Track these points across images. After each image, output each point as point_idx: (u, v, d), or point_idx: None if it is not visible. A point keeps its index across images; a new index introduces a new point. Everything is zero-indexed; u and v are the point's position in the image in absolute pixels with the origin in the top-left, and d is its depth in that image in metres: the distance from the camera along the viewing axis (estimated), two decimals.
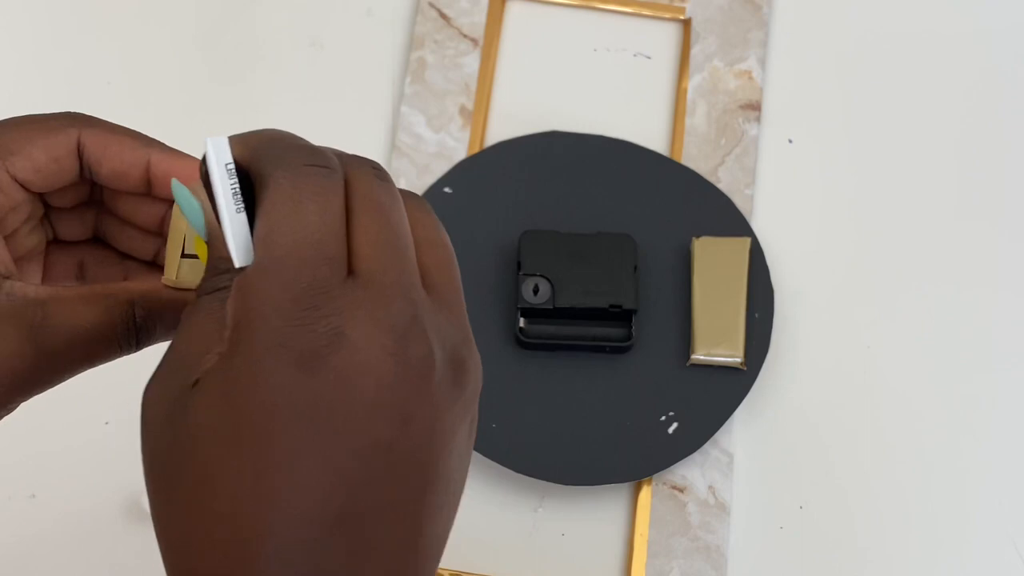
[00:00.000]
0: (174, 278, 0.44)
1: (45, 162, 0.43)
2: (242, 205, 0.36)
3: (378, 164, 0.38)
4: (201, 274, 0.42)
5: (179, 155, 0.44)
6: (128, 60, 0.80)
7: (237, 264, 0.36)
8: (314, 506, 0.33)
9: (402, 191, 0.38)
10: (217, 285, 0.36)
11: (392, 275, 0.35)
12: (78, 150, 0.43)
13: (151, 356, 0.61)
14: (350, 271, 0.35)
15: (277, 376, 0.33)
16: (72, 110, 0.46)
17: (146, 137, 0.45)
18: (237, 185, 0.37)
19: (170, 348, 0.37)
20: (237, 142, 0.37)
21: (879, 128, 0.80)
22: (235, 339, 0.34)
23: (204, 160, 0.37)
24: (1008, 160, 0.79)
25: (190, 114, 0.79)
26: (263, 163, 0.36)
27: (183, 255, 0.44)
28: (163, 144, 0.45)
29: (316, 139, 0.85)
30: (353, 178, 0.37)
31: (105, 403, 0.71)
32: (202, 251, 0.39)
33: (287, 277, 0.34)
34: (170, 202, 0.45)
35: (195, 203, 0.38)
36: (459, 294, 0.38)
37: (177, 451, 0.35)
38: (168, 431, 0.35)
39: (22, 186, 0.43)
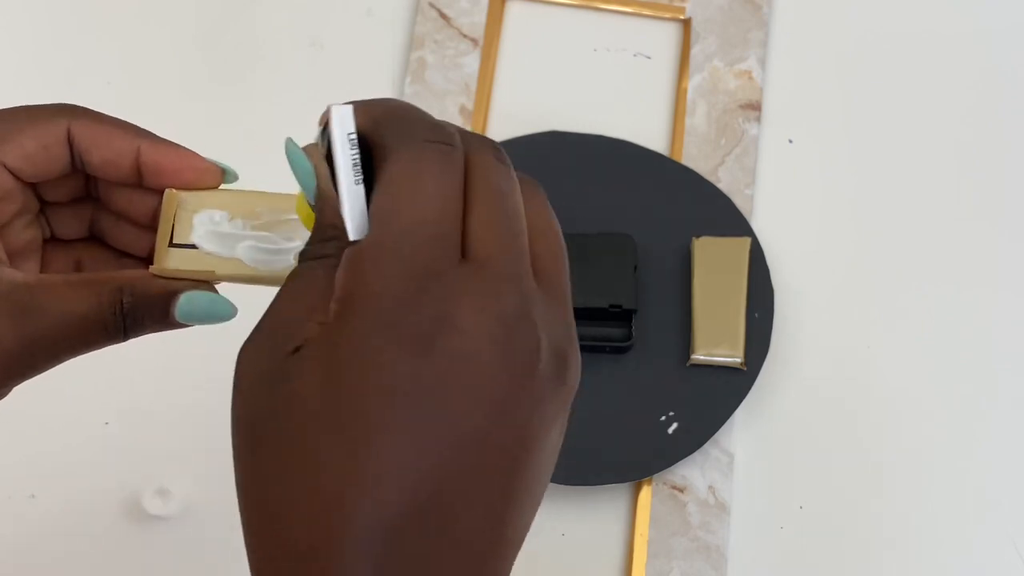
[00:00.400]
0: (162, 267, 0.44)
1: (35, 150, 0.43)
2: (361, 176, 0.36)
3: (498, 146, 0.37)
4: (190, 264, 0.43)
5: (169, 145, 0.45)
6: (128, 60, 0.80)
7: (352, 236, 0.35)
8: (404, 491, 0.33)
9: (519, 174, 0.38)
10: (322, 252, 0.36)
11: (505, 263, 0.34)
12: (68, 139, 0.43)
13: (151, 357, 0.61)
14: (464, 254, 0.34)
15: (383, 355, 0.33)
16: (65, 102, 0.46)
17: (136, 127, 0.45)
18: (358, 155, 0.36)
19: (268, 311, 0.36)
20: (361, 111, 0.37)
21: (879, 128, 0.80)
22: (342, 312, 0.33)
23: (326, 127, 0.37)
24: (1008, 160, 0.79)
25: (190, 114, 0.79)
26: (386, 136, 0.36)
27: (171, 244, 0.44)
28: (153, 134, 0.45)
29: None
30: (473, 159, 0.36)
31: (105, 403, 0.71)
32: (305, 214, 0.39)
33: (403, 255, 0.33)
34: (161, 193, 0.45)
35: (308, 165, 0.38)
36: (567, 286, 0.38)
37: (272, 417, 0.34)
38: (264, 396, 0.34)
39: (13, 175, 0.43)
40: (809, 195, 0.78)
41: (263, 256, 0.44)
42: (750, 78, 0.80)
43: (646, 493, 0.70)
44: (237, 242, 0.45)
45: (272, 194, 0.46)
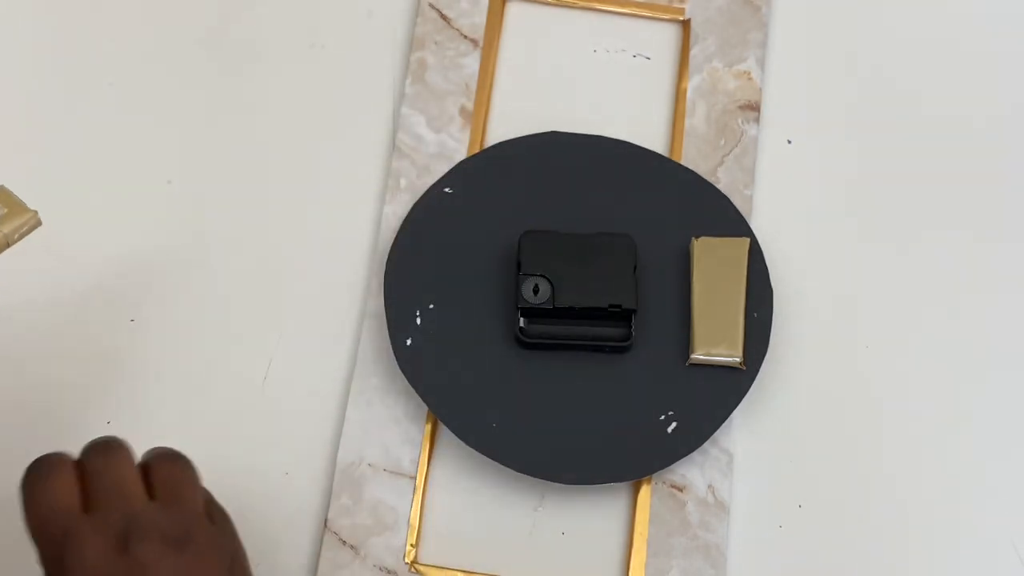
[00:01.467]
0: None
1: None
2: None
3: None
4: None
5: None
6: (129, 61, 0.80)
7: None
8: None
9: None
10: None
11: (110, 500, 0.50)
12: None
13: (151, 359, 0.61)
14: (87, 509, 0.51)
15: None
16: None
17: None
18: None
19: None
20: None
21: (878, 128, 0.80)
22: None
23: None
24: (1008, 160, 0.80)
25: (191, 115, 0.79)
26: None
27: None
28: None
29: (316, 140, 0.86)
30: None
31: (106, 403, 0.71)
32: None
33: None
34: None
35: None
36: (182, 489, 0.52)
37: None
38: None
39: None
40: (808, 195, 0.78)
41: None
42: (749, 79, 0.80)
43: (645, 492, 0.70)
44: None
45: None
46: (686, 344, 0.71)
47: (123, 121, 0.78)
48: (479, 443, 0.69)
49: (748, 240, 0.73)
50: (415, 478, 0.70)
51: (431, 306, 0.72)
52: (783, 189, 0.78)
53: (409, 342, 0.71)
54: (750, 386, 0.71)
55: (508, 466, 0.69)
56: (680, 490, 0.70)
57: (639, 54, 0.81)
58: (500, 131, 0.78)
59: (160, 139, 0.78)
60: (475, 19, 0.81)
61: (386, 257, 0.73)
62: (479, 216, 0.74)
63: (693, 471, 0.70)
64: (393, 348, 0.71)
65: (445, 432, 0.70)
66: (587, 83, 0.80)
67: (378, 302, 0.73)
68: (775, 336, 0.73)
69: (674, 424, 0.70)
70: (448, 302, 0.72)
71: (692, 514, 0.70)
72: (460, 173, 0.76)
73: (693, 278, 0.72)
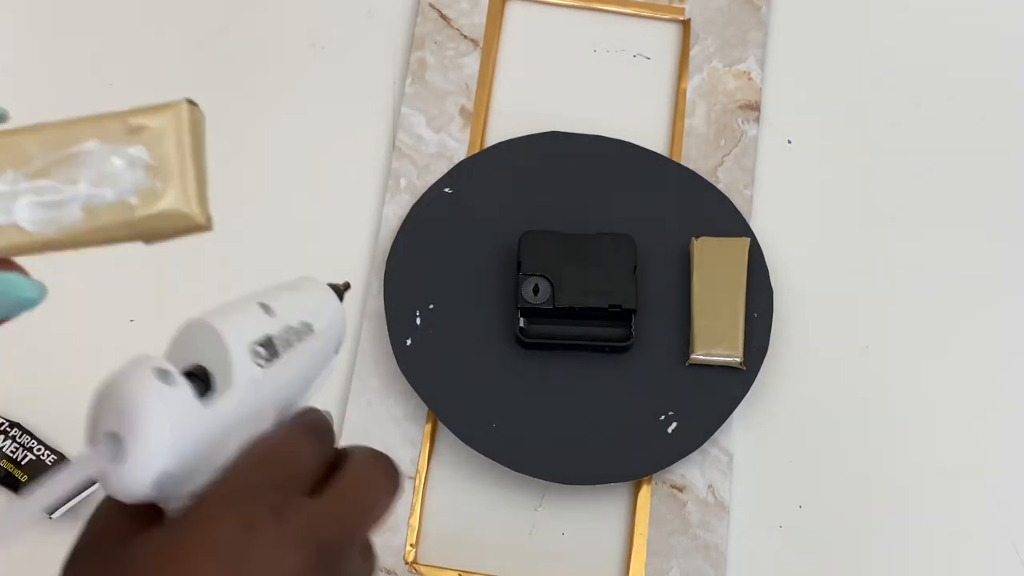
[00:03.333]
0: None
1: None
2: None
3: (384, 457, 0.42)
4: None
5: None
6: (130, 61, 0.80)
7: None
8: None
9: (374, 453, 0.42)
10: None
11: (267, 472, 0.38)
12: None
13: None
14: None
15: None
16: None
17: None
18: None
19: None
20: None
21: (878, 128, 0.80)
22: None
23: None
24: (1008, 160, 0.80)
25: None
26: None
27: None
28: None
29: (317, 140, 0.86)
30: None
31: None
32: None
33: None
34: None
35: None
36: (358, 499, 0.40)
37: None
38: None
39: None
40: (808, 195, 0.78)
41: (45, 214, 0.37)
42: (749, 79, 0.80)
43: (646, 492, 0.70)
44: (11, 201, 0.37)
45: (45, 126, 0.37)
46: (686, 344, 0.71)
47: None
48: (479, 443, 0.69)
49: (748, 240, 0.73)
50: (415, 478, 0.70)
51: (431, 306, 0.72)
52: (783, 189, 0.78)
53: (409, 342, 0.71)
54: (750, 386, 0.71)
55: (508, 466, 0.69)
56: (680, 490, 0.70)
57: (639, 54, 0.81)
58: (500, 131, 0.78)
59: None
60: (475, 19, 0.81)
61: (386, 257, 0.73)
62: (479, 216, 0.74)
63: (693, 471, 0.70)
64: (393, 348, 0.71)
65: (445, 432, 0.70)
66: (587, 83, 0.80)
67: (378, 302, 0.73)
68: (775, 336, 0.73)
69: (674, 424, 0.70)
70: (448, 302, 0.72)
71: (692, 514, 0.70)
72: (460, 173, 0.76)
73: (693, 278, 0.72)
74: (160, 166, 0.36)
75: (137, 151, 0.36)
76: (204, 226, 0.38)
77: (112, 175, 0.37)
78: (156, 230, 0.37)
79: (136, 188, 0.37)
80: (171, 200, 0.36)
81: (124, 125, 0.36)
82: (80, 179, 0.36)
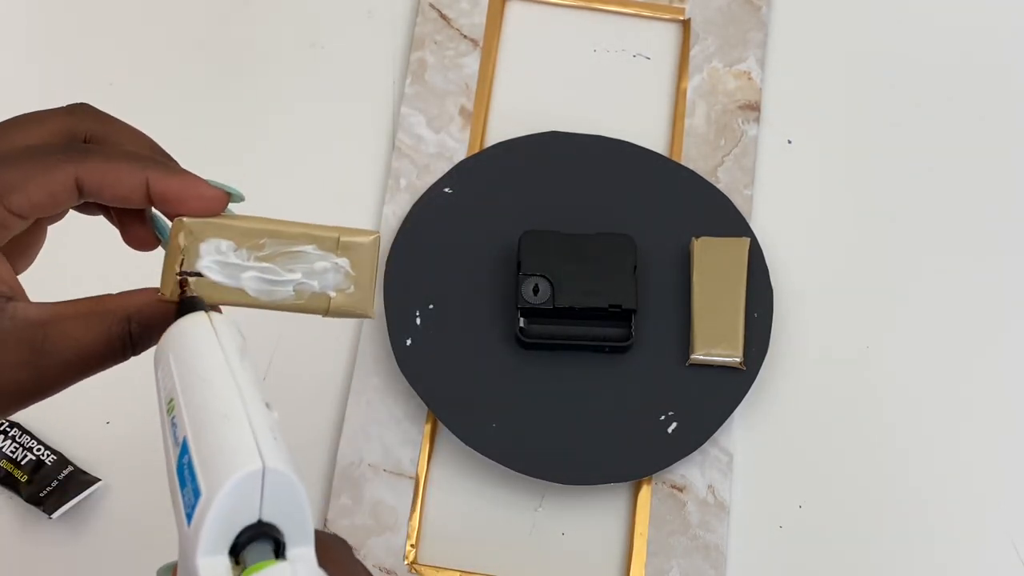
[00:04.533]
0: (169, 293, 0.46)
1: (42, 199, 0.44)
2: None
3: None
4: (197, 292, 0.46)
5: (175, 174, 0.46)
6: (130, 61, 0.80)
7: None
8: None
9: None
10: None
11: None
12: (76, 184, 0.45)
13: (151, 359, 0.61)
14: None
15: None
16: (77, 101, 0.48)
17: (142, 157, 0.46)
18: None
19: None
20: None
21: (878, 128, 0.80)
22: None
23: None
24: (1008, 160, 0.80)
25: (192, 114, 0.79)
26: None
27: (179, 273, 0.47)
28: (160, 162, 0.46)
29: (317, 140, 0.86)
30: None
31: (105, 403, 0.71)
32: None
33: None
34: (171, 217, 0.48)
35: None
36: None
37: None
38: None
39: (21, 216, 0.45)
40: (808, 195, 0.78)
41: (265, 286, 0.48)
42: (749, 79, 0.80)
43: (645, 492, 0.70)
44: (241, 272, 0.48)
45: (277, 223, 0.49)
46: (686, 344, 0.71)
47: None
48: (479, 443, 0.69)
49: (748, 240, 0.73)
50: (415, 478, 0.70)
51: (431, 306, 0.72)
52: (783, 189, 0.78)
53: (409, 342, 0.71)
54: (750, 386, 0.71)
55: (508, 466, 0.69)
56: (680, 490, 0.70)
57: (639, 54, 0.81)
58: (500, 131, 0.78)
59: (160, 139, 0.78)
60: (475, 19, 0.81)
61: (386, 257, 0.73)
62: (479, 216, 0.74)
63: (693, 471, 0.70)
64: (393, 348, 0.71)
65: (445, 432, 0.70)
66: (587, 83, 0.80)
67: (378, 302, 0.73)
68: (775, 336, 0.73)
69: (674, 424, 0.70)
70: (448, 302, 0.72)
71: (692, 514, 0.70)
72: (460, 173, 0.76)
73: (693, 278, 0.72)
74: (355, 275, 0.49)
75: (342, 262, 0.49)
76: (371, 316, 0.50)
77: (320, 272, 0.49)
78: (339, 314, 0.49)
79: (335, 286, 0.49)
80: (358, 301, 0.49)
81: (336, 240, 0.49)
82: (297, 270, 0.49)
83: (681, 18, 0.82)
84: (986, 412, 0.73)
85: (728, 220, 0.75)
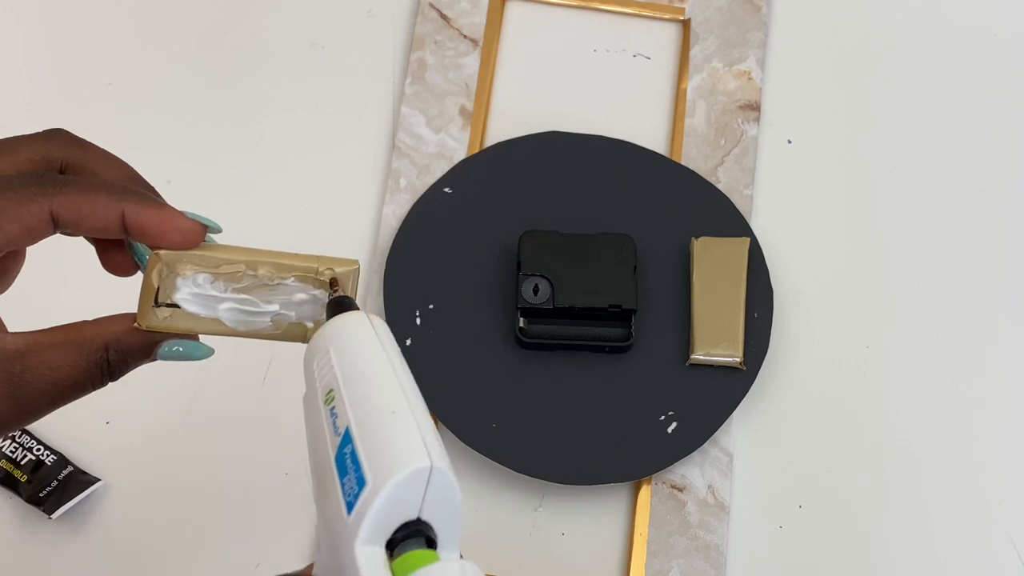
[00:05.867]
0: (147, 323, 0.47)
1: (17, 232, 0.44)
2: None
3: None
4: (173, 323, 0.46)
5: (152, 207, 0.46)
6: (130, 61, 0.80)
7: None
8: None
9: None
10: None
11: None
12: (51, 217, 0.44)
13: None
14: None
15: None
16: (54, 127, 0.47)
17: (119, 188, 0.46)
18: None
19: None
20: None
21: (878, 128, 0.80)
22: None
23: None
24: (1009, 159, 0.80)
25: (191, 114, 0.79)
26: None
27: (155, 304, 0.47)
28: (138, 192, 0.46)
29: (317, 139, 0.86)
30: None
31: (104, 403, 0.71)
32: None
33: None
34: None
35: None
36: None
37: None
38: None
39: None
40: (808, 195, 0.78)
41: (242, 317, 0.48)
42: (749, 79, 0.80)
43: (645, 492, 0.70)
44: (218, 303, 0.47)
45: (255, 253, 0.48)
46: (686, 344, 0.71)
47: (123, 121, 0.78)
48: (479, 443, 0.69)
49: (748, 240, 0.73)
50: None
51: (431, 306, 0.72)
52: (783, 189, 0.78)
53: (409, 342, 0.71)
54: (750, 386, 0.71)
55: (508, 466, 0.69)
56: (680, 490, 0.70)
57: (639, 54, 0.81)
58: (500, 131, 0.78)
59: (160, 139, 0.78)
60: (475, 19, 0.81)
61: (386, 257, 0.73)
62: (479, 216, 0.74)
63: (693, 471, 0.70)
64: None
65: (445, 432, 0.70)
66: (587, 83, 0.80)
67: (378, 302, 0.73)
68: (775, 336, 0.73)
69: (674, 424, 0.70)
70: (448, 302, 0.72)
71: (692, 514, 0.70)
72: (460, 173, 0.76)
73: (693, 278, 0.72)
74: None
75: (321, 294, 0.48)
76: None
77: (298, 304, 0.48)
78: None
79: (313, 316, 0.48)
80: None
81: (316, 272, 0.48)
82: (275, 301, 0.48)
83: (681, 18, 0.82)
84: (985, 411, 0.73)
85: (728, 220, 0.75)
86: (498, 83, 0.80)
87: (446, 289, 0.72)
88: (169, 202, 0.47)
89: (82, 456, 0.70)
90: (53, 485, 0.68)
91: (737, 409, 0.70)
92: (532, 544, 0.70)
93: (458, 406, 0.70)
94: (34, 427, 0.70)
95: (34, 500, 0.68)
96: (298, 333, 0.49)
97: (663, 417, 0.70)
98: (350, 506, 0.38)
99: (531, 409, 0.70)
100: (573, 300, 0.70)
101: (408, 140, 0.77)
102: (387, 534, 0.39)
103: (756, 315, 0.72)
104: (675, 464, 0.70)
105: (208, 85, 0.80)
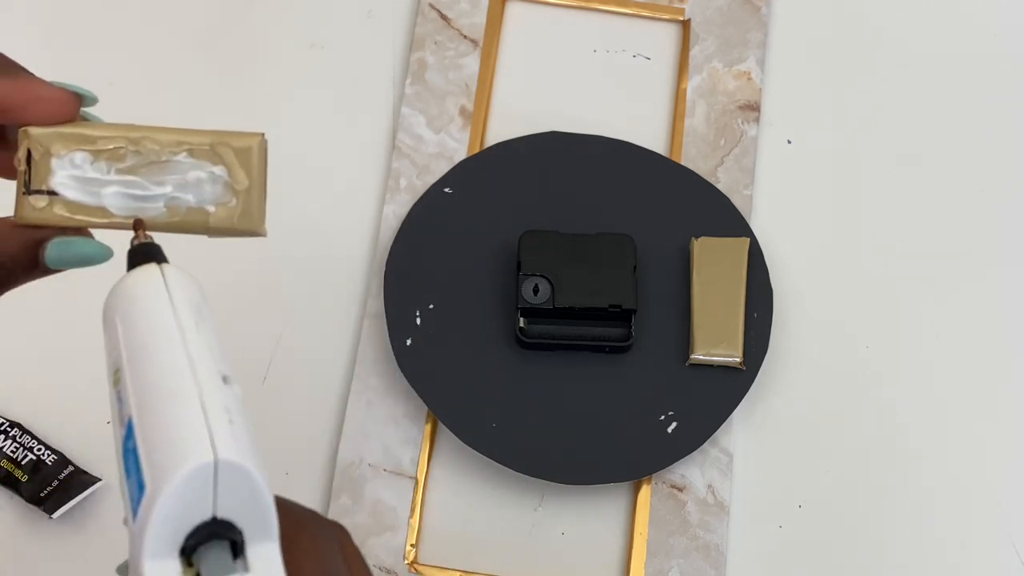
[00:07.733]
0: (22, 215, 0.42)
1: None
2: None
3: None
4: (51, 213, 0.41)
5: (7, 73, 0.40)
6: (130, 61, 0.80)
7: None
8: None
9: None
10: None
11: None
12: None
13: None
14: None
15: None
16: None
17: None
18: None
19: None
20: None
21: (878, 128, 0.80)
22: None
23: None
24: (1009, 160, 0.80)
25: (191, 115, 0.79)
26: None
27: (28, 191, 0.42)
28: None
29: (317, 140, 0.86)
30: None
31: (103, 403, 0.71)
32: None
33: None
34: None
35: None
36: None
37: None
38: None
39: None
40: (808, 195, 0.78)
41: (130, 203, 0.42)
42: (749, 79, 0.80)
43: (645, 492, 0.70)
44: (102, 187, 0.42)
45: (139, 128, 0.43)
46: (686, 344, 0.71)
47: (123, 121, 0.78)
48: (479, 443, 0.69)
49: (748, 240, 0.73)
50: (415, 478, 0.70)
51: (431, 306, 0.72)
52: (783, 189, 0.78)
53: (409, 342, 0.71)
54: (750, 386, 0.71)
55: (508, 466, 0.69)
56: (680, 490, 0.70)
57: (639, 54, 0.81)
58: (500, 131, 0.78)
59: None
60: (475, 19, 0.81)
61: (386, 257, 0.73)
62: (479, 216, 0.74)
63: (693, 471, 0.70)
64: (393, 348, 0.71)
65: (445, 432, 0.70)
66: (587, 83, 0.80)
67: (378, 302, 0.73)
68: (775, 336, 0.73)
69: (674, 424, 0.70)
70: (448, 302, 0.72)
71: (692, 514, 0.70)
72: (460, 173, 0.76)
73: (693, 278, 0.72)
74: (238, 185, 0.43)
75: (220, 171, 0.43)
76: (262, 234, 0.44)
77: (195, 184, 0.43)
78: (223, 232, 0.43)
79: (214, 200, 0.43)
80: (243, 215, 0.42)
81: (211, 146, 0.43)
82: (167, 182, 0.42)
83: (681, 18, 0.82)
84: (986, 411, 0.73)
85: (728, 220, 0.75)
86: (498, 83, 0.80)
87: (446, 289, 0.72)
88: None
89: (83, 456, 0.70)
90: (54, 485, 0.68)
91: (737, 409, 0.70)
92: (532, 544, 0.70)
93: (458, 406, 0.70)
94: (35, 427, 0.70)
95: (35, 500, 0.68)
96: (199, 221, 0.43)
97: (663, 417, 0.70)
98: (135, 513, 0.34)
99: (531, 409, 0.70)
100: (573, 300, 0.70)
101: (408, 140, 0.77)
102: (178, 542, 0.34)
103: (756, 315, 0.72)
104: (675, 464, 0.70)
105: (208, 85, 0.80)
